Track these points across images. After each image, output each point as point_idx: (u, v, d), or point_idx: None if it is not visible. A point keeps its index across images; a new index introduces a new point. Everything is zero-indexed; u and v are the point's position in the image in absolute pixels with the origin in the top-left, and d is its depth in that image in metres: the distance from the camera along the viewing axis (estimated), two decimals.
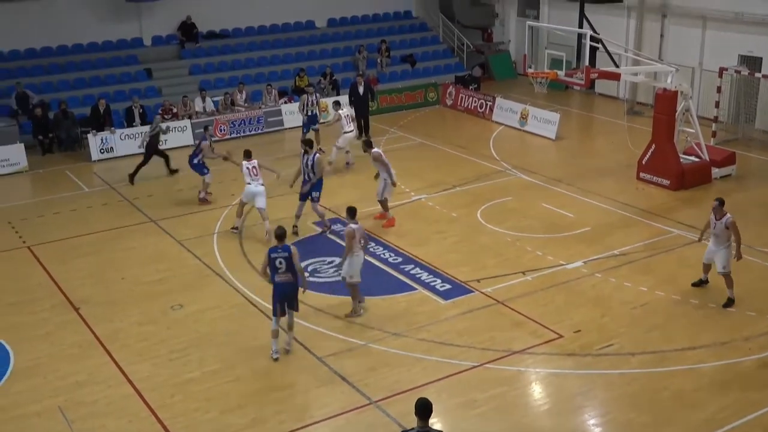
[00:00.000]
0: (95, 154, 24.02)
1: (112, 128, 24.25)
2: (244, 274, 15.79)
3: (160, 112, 25.12)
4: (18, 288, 15.63)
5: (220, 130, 25.58)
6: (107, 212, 19.72)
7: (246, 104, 26.79)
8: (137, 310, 14.58)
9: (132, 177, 21.57)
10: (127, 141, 24.26)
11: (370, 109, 25.83)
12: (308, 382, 12.31)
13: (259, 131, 26.31)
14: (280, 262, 12.48)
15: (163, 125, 22.55)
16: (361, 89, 25.17)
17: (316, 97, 23.80)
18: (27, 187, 22.49)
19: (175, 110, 25.56)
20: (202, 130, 21.33)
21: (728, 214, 13.92)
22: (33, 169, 23.23)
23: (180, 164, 21.90)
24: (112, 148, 24.14)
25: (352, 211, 14.03)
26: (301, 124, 24.28)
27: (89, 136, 24.09)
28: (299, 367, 12.64)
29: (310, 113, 23.55)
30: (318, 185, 17.54)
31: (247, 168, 17.46)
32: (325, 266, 16.05)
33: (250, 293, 15.00)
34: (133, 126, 24.73)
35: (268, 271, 12.64)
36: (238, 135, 25.99)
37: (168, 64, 29.14)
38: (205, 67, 29.15)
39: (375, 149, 18.13)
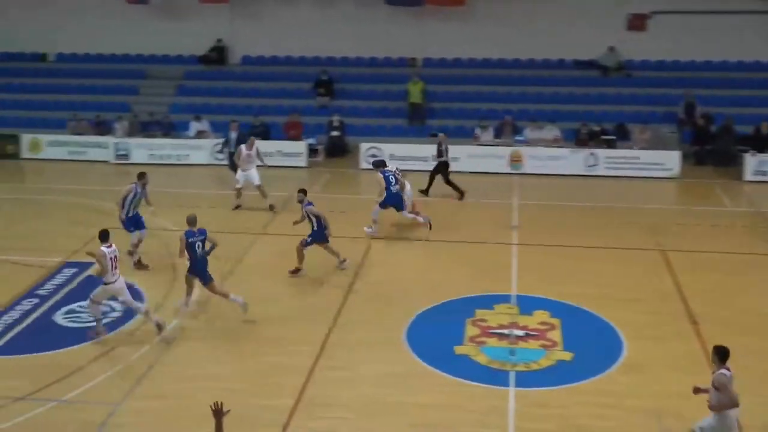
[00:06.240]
0: (749, 175, 23.54)
1: None
2: None
3: None
4: (643, 287, 16.07)
5: None
6: (749, 236, 19.11)
7: None
8: (751, 338, 13.67)
9: None
10: None
11: None
12: None
13: None
14: None
15: None
16: None
17: None
18: (673, 193, 23.15)
19: None
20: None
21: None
22: (683, 178, 23.75)
23: None
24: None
25: None
26: None
27: (746, 155, 23.64)
28: None
29: None
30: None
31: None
32: None
33: None
34: None
35: None
36: None
37: None
38: None
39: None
